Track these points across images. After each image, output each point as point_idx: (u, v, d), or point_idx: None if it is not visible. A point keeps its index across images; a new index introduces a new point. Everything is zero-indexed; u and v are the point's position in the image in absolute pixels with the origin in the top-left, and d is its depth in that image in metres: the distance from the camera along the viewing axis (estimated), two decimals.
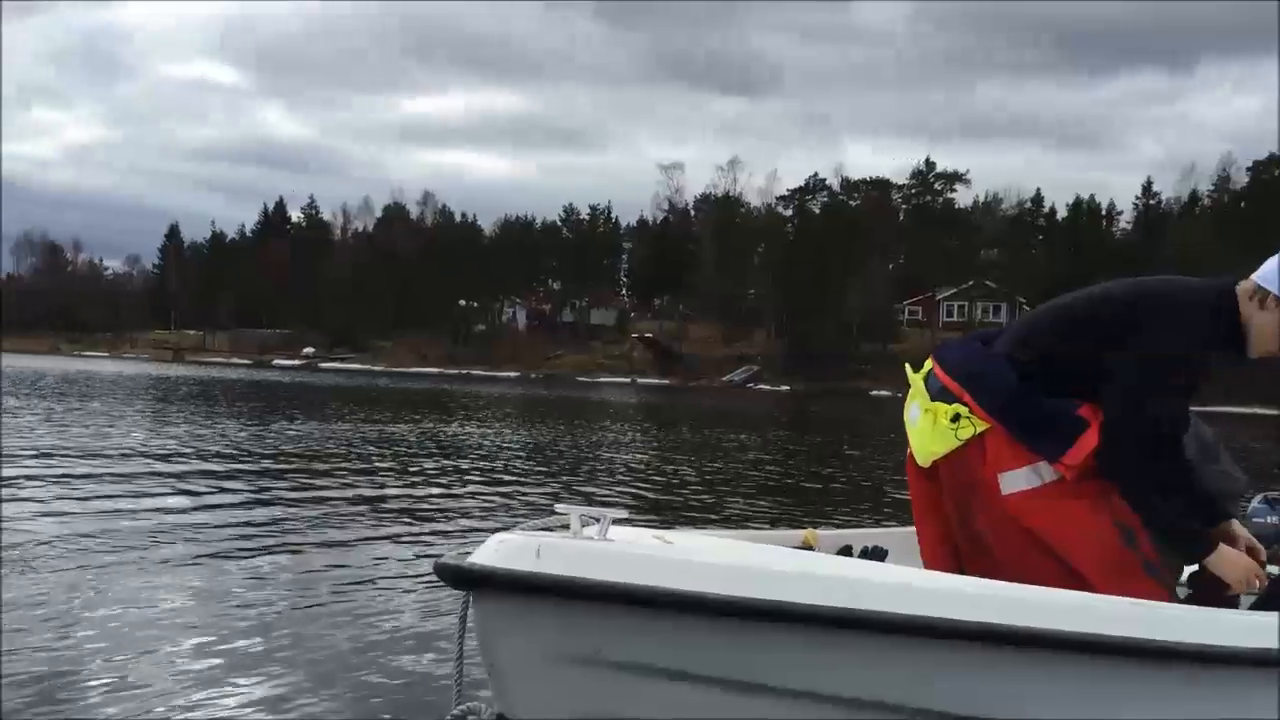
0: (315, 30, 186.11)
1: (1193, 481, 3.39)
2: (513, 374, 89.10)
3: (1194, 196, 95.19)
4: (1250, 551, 3.38)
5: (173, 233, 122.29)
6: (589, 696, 2.30)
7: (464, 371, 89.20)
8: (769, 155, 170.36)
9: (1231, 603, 3.65)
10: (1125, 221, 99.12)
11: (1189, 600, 3.81)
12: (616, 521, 2.63)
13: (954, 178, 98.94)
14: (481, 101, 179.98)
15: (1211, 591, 3.65)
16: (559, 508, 2.54)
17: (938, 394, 3.37)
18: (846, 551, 4.66)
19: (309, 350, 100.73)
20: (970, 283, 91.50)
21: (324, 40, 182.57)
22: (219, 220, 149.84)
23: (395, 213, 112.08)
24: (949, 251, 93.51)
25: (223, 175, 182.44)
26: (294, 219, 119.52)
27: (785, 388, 77.97)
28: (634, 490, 11.52)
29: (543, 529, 2.65)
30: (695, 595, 2.15)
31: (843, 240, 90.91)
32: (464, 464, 13.43)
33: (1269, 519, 5.33)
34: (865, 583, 2.36)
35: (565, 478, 12.48)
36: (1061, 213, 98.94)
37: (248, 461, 12.36)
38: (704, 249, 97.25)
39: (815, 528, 4.64)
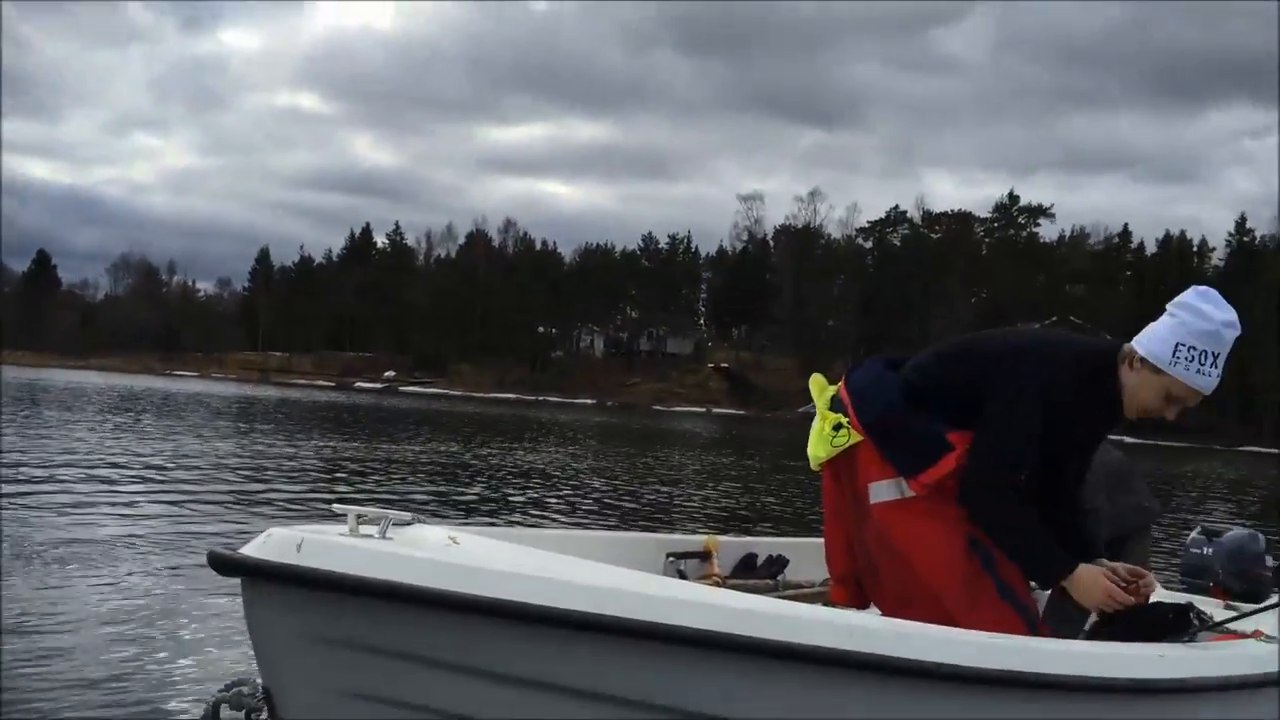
0: (402, 60, 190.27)
1: (1049, 516, 3.38)
2: (589, 401, 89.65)
3: None
4: (1132, 574, 3.37)
5: (263, 257, 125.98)
6: (346, 675, 2.42)
7: (539, 398, 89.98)
8: (849, 187, 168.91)
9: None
10: (1218, 258, 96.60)
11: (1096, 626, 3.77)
12: (431, 522, 2.77)
13: (1038, 211, 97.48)
14: (564, 132, 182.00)
15: (1065, 612, 3.69)
16: (336, 508, 2.67)
17: (834, 404, 3.55)
18: (749, 560, 4.71)
19: (390, 374, 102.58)
20: (1054, 318, 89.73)
21: (411, 70, 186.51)
22: (307, 245, 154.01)
23: (477, 240, 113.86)
24: (1033, 286, 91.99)
25: (311, 201, 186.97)
26: (379, 245, 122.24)
27: None
28: (611, 500, 11.64)
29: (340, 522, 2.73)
30: (410, 589, 2.24)
31: (923, 272, 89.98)
32: (470, 480, 13.62)
33: (1205, 550, 5.20)
34: (582, 586, 2.39)
35: (559, 490, 12.59)
36: (1151, 248, 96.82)
37: (248, 474, 12.70)
38: (783, 280, 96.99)
39: (722, 534, 4.73)
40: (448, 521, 7.71)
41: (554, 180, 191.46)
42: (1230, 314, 3.23)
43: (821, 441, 3.51)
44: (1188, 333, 3.21)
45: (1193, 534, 5.34)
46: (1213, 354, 3.21)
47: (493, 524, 8.45)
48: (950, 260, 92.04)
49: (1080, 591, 3.26)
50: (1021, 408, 3.24)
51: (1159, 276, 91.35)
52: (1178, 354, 3.20)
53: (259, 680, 2.53)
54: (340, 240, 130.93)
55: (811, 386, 3.71)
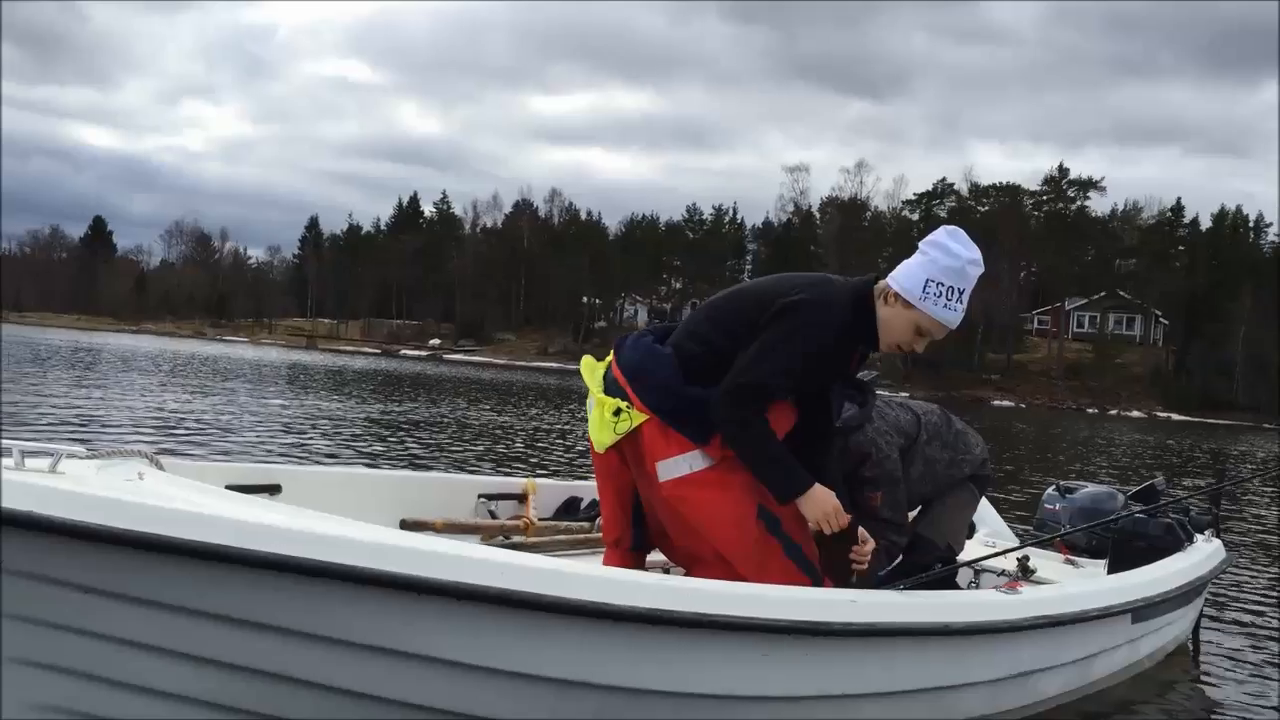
0: (449, 29, 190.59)
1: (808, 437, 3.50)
2: None
3: None
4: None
5: (312, 224, 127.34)
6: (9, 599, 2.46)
7: None
8: (896, 158, 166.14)
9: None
10: (1275, 234, 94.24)
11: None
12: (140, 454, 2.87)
13: (1088, 185, 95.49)
14: (610, 101, 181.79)
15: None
16: (4, 443, 2.69)
17: (609, 387, 3.53)
18: (572, 503, 4.77)
19: (435, 341, 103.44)
20: (1102, 293, 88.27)
21: (457, 39, 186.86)
22: (356, 213, 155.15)
23: (523, 209, 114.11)
24: (1082, 260, 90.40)
25: (359, 170, 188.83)
26: (426, 213, 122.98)
27: (904, 395, 76.44)
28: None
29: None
30: (26, 516, 2.28)
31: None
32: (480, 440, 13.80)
33: (1055, 506, 5.20)
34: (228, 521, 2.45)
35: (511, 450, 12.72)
36: (1205, 223, 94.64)
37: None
38: (829, 252, 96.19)
39: (539, 477, 4.79)
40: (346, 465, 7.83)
41: (599, 150, 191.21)
42: (975, 253, 3.38)
43: (604, 428, 3.49)
44: (938, 269, 3.37)
45: (1048, 490, 5.36)
46: (959, 290, 3.39)
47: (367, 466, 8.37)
48: (998, 233, 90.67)
49: (810, 506, 3.35)
50: (792, 344, 3.32)
51: (1213, 252, 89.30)
52: (928, 289, 3.36)
53: None
54: (388, 209, 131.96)
55: (583, 370, 3.70)
